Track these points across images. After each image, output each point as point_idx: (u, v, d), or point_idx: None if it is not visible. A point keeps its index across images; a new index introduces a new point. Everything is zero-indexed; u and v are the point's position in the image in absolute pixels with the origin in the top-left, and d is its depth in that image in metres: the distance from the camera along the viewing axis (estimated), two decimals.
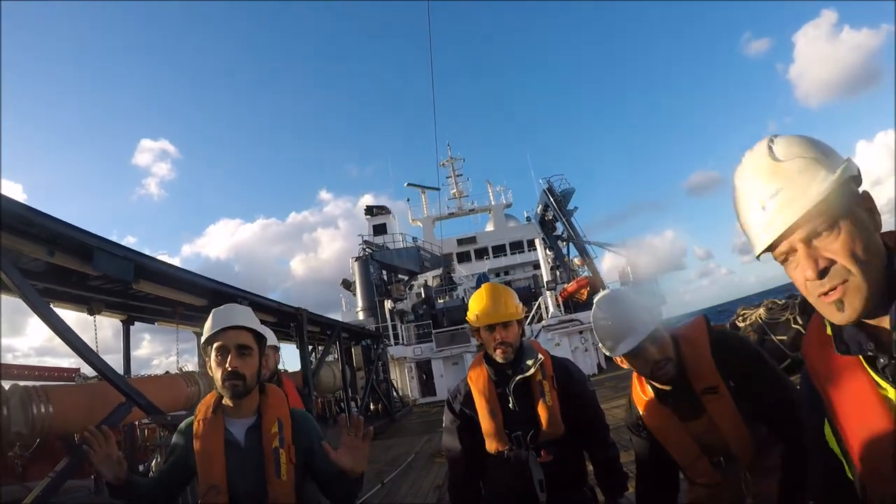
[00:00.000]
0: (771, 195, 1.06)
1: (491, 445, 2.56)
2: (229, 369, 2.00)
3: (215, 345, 2.04)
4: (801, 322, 10.21)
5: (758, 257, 1.13)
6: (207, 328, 2.08)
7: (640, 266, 28.67)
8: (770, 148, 1.10)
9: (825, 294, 1.03)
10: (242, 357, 2.03)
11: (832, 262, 1.01)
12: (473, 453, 2.65)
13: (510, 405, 2.55)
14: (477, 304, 2.64)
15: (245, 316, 2.12)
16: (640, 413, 2.42)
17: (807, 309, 10.53)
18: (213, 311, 2.14)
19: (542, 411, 2.50)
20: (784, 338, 10.22)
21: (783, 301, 11.20)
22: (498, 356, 2.55)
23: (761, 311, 11.21)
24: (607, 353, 2.29)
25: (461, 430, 2.69)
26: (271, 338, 3.77)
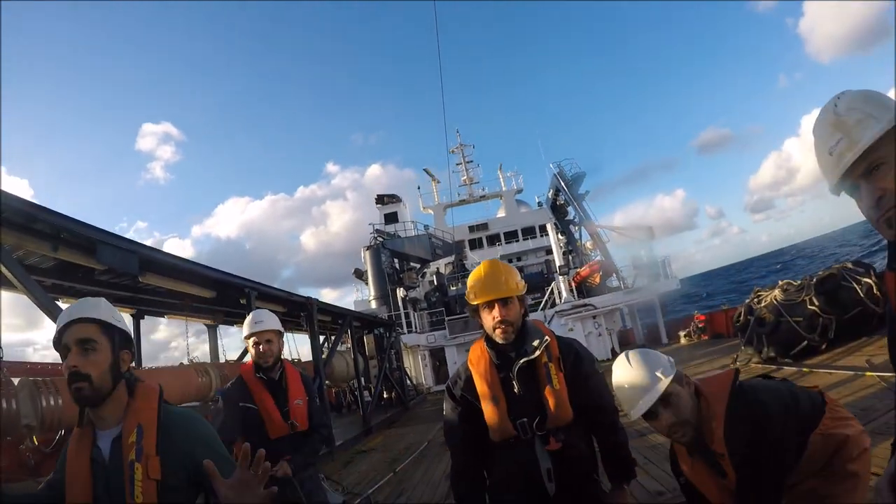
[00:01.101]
0: (834, 143, 1.29)
1: (495, 434, 2.40)
2: (68, 370, 1.68)
3: (60, 346, 1.74)
4: (817, 303, 10.03)
5: (835, 194, 1.36)
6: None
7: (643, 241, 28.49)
8: (835, 105, 1.32)
9: (881, 217, 1.24)
10: (85, 353, 1.70)
11: (884, 192, 1.22)
12: (476, 442, 2.50)
13: (514, 390, 2.39)
14: (475, 281, 2.50)
15: (90, 307, 1.79)
16: (677, 458, 2.45)
17: (823, 289, 10.36)
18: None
19: (548, 396, 2.34)
20: (800, 319, 10.05)
21: (798, 282, 11.03)
22: (498, 336, 2.41)
23: (777, 292, 11.03)
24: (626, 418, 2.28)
25: (462, 417, 2.53)
26: (276, 323, 3.75)
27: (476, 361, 2.51)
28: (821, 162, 1.36)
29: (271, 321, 3.72)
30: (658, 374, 2.17)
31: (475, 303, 2.46)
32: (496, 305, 2.39)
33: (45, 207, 5.13)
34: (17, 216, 4.87)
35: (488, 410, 2.41)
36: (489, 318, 2.42)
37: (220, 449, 1.81)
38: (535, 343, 2.40)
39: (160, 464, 1.66)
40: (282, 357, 3.79)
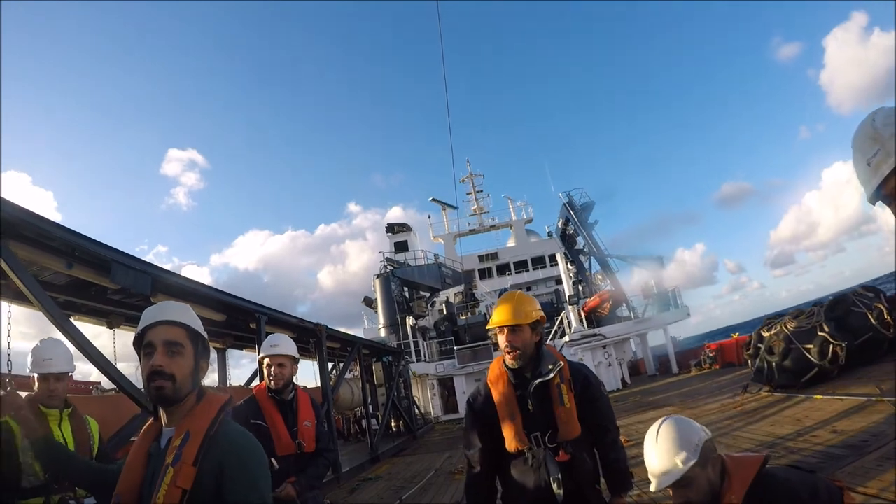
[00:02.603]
0: (872, 154, 1.35)
1: (511, 445, 2.62)
2: (152, 368, 1.70)
3: (143, 343, 1.76)
4: (827, 329, 9.96)
5: (871, 203, 1.43)
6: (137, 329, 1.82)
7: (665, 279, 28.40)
8: (873, 119, 1.38)
9: None
10: (172, 355, 1.74)
11: None
12: (492, 453, 2.73)
13: (529, 407, 2.64)
14: (496, 306, 2.80)
15: (179, 311, 1.84)
16: None
17: (833, 315, 10.30)
18: (146, 309, 1.87)
19: (560, 414, 2.60)
20: (811, 346, 9.97)
21: (809, 309, 10.97)
22: (507, 361, 2.69)
23: (787, 319, 10.98)
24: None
25: (481, 430, 2.76)
26: (291, 349, 3.87)
27: (495, 380, 2.77)
28: (859, 172, 1.43)
29: (286, 346, 3.84)
30: (679, 459, 2.23)
31: (488, 328, 2.80)
32: (505, 331, 2.67)
33: (61, 225, 5.25)
34: (32, 232, 4.98)
35: (505, 424, 2.65)
36: (502, 342, 2.70)
37: (260, 484, 1.71)
38: (550, 367, 2.67)
39: (195, 475, 1.61)
40: (294, 381, 3.89)
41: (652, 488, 2.30)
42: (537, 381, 2.64)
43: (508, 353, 2.66)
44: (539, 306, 2.85)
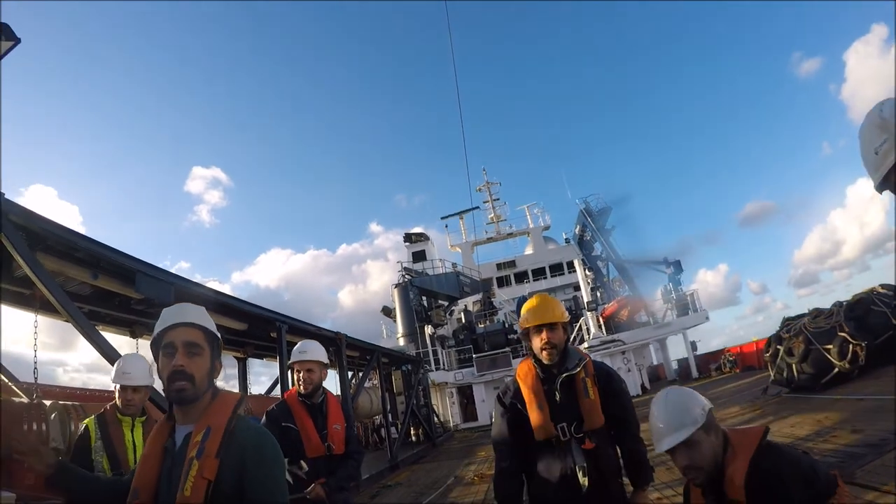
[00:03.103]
0: (880, 143, 1.40)
1: (539, 434, 2.77)
2: (174, 368, 1.78)
3: (162, 344, 1.85)
4: (847, 329, 9.87)
5: (879, 191, 1.48)
6: (156, 329, 1.91)
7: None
8: (880, 109, 1.42)
9: None
10: (191, 356, 1.81)
11: None
12: (520, 444, 2.86)
13: (556, 399, 2.79)
14: (527, 310, 2.94)
15: (197, 314, 1.93)
16: (690, 494, 2.60)
17: (853, 315, 10.20)
18: (163, 310, 1.96)
19: (585, 405, 2.77)
20: (830, 346, 9.88)
21: (829, 309, 10.87)
22: (544, 357, 2.83)
23: (806, 320, 10.89)
24: None
25: (510, 422, 2.90)
26: (321, 354, 4.01)
27: (524, 375, 2.93)
28: (867, 161, 1.50)
29: (315, 353, 3.97)
30: (687, 421, 2.32)
31: (527, 327, 2.90)
32: (544, 330, 2.83)
33: (86, 236, 5.42)
34: (59, 243, 5.14)
35: (534, 415, 2.80)
36: (538, 341, 2.85)
37: (277, 473, 1.84)
38: (577, 361, 2.84)
39: (218, 467, 1.70)
40: (323, 386, 4.04)
41: (659, 449, 2.38)
42: (564, 374, 2.80)
43: (546, 349, 2.81)
44: (563, 304, 3.07)
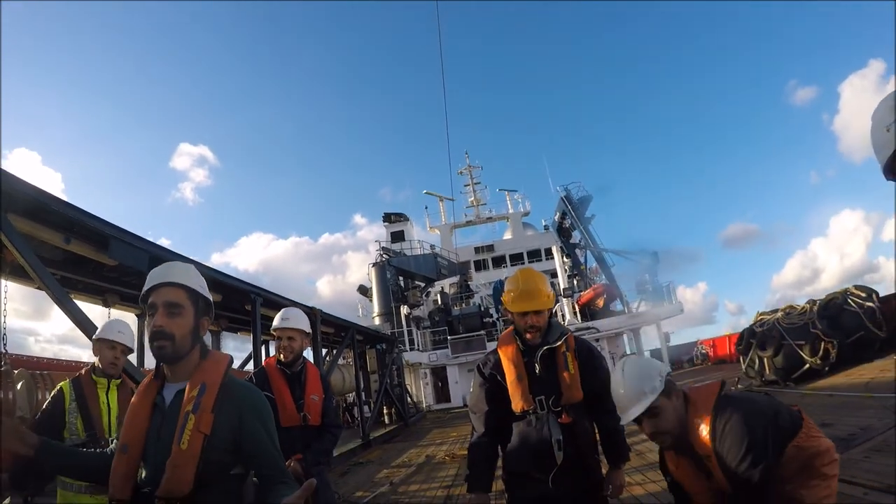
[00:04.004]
0: (892, 121, 1.40)
1: (517, 405, 2.75)
2: (153, 328, 1.81)
3: (148, 304, 1.88)
4: (819, 327, 10.02)
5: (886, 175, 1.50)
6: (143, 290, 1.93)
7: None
8: None
9: None
10: (172, 316, 1.84)
11: None
12: (497, 415, 2.85)
13: (536, 371, 2.77)
14: (514, 289, 2.86)
15: (180, 272, 1.94)
16: (665, 458, 2.65)
17: (826, 313, 10.36)
18: (152, 269, 1.97)
19: (564, 378, 2.74)
20: (803, 343, 10.03)
21: (802, 306, 11.03)
22: (528, 338, 2.81)
23: (780, 316, 11.04)
24: None
25: (488, 393, 2.88)
26: (303, 323, 3.95)
27: (505, 347, 2.91)
28: (876, 140, 1.49)
29: (298, 320, 3.91)
30: (646, 389, 2.35)
31: (512, 311, 2.85)
32: (530, 314, 2.78)
33: (60, 198, 5.21)
34: (31, 205, 4.94)
35: (513, 386, 2.79)
36: (522, 322, 2.81)
37: (271, 428, 1.90)
38: (558, 335, 2.83)
39: (213, 422, 1.76)
40: (304, 356, 3.98)
41: (623, 421, 2.43)
42: (545, 347, 2.78)
43: (530, 332, 2.78)
44: (548, 281, 3.00)
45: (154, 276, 1.91)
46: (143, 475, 1.80)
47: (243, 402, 1.86)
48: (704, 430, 2.30)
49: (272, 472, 1.83)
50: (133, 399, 1.92)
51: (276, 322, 3.88)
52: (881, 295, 10.46)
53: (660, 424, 2.37)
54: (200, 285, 1.97)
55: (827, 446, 2.37)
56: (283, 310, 3.99)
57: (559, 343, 2.81)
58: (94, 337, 3.84)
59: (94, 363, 3.84)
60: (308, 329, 3.99)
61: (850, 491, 4.03)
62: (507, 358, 2.86)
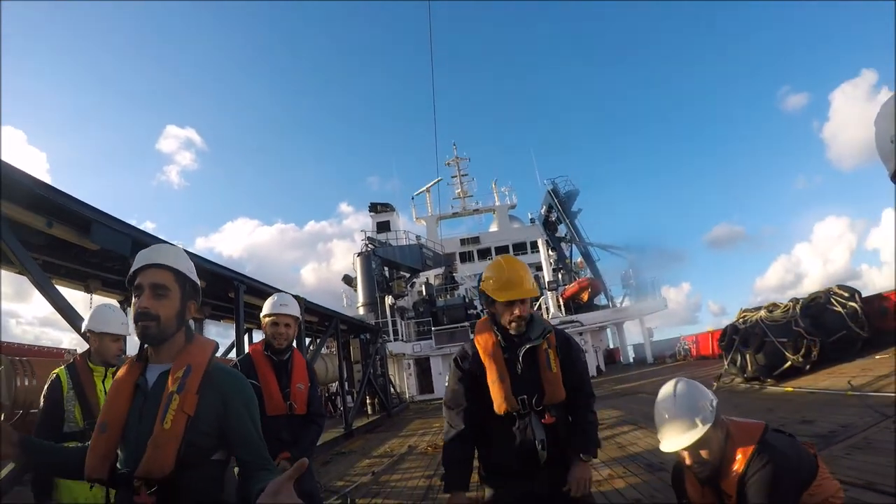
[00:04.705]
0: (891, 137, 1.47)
1: (500, 406, 2.64)
2: (138, 309, 1.80)
3: (134, 285, 1.86)
4: (802, 325, 10.12)
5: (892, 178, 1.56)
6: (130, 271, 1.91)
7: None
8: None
9: None
10: (157, 297, 1.83)
11: None
12: (474, 413, 2.74)
13: (517, 370, 2.66)
14: (497, 277, 2.72)
15: (168, 255, 1.92)
16: (684, 479, 2.63)
17: (808, 312, 10.46)
18: (140, 251, 1.95)
19: (547, 378, 2.64)
20: (785, 340, 10.13)
21: (785, 304, 11.12)
22: (513, 329, 2.67)
23: (763, 313, 11.13)
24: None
25: (467, 388, 2.77)
26: (297, 309, 3.88)
27: (484, 342, 2.76)
28: (883, 149, 1.52)
29: (294, 307, 3.84)
30: (698, 420, 2.29)
31: (499, 300, 2.69)
32: (516, 303, 2.64)
33: (42, 181, 5.08)
34: (13, 187, 4.82)
35: (495, 386, 2.66)
36: (507, 314, 2.67)
37: (255, 416, 1.89)
38: (539, 333, 2.69)
39: (197, 404, 1.76)
40: (293, 344, 3.90)
41: (669, 448, 2.35)
42: (527, 345, 2.67)
43: (515, 322, 2.65)
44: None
45: (142, 258, 1.89)
46: (122, 456, 1.77)
47: (229, 387, 1.86)
48: (735, 471, 2.28)
49: (255, 459, 1.81)
50: (115, 379, 1.90)
51: (270, 308, 3.78)
52: (864, 296, 10.60)
53: (705, 456, 2.33)
54: (188, 268, 1.95)
55: (836, 488, 2.42)
56: (277, 295, 3.90)
57: (541, 341, 2.69)
58: (93, 329, 3.73)
59: (88, 350, 3.77)
60: (300, 316, 3.92)
61: None
62: (486, 354, 2.74)
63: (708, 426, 2.27)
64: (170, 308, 1.84)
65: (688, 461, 2.36)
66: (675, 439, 2.32)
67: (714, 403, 2.35)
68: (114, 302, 9.50)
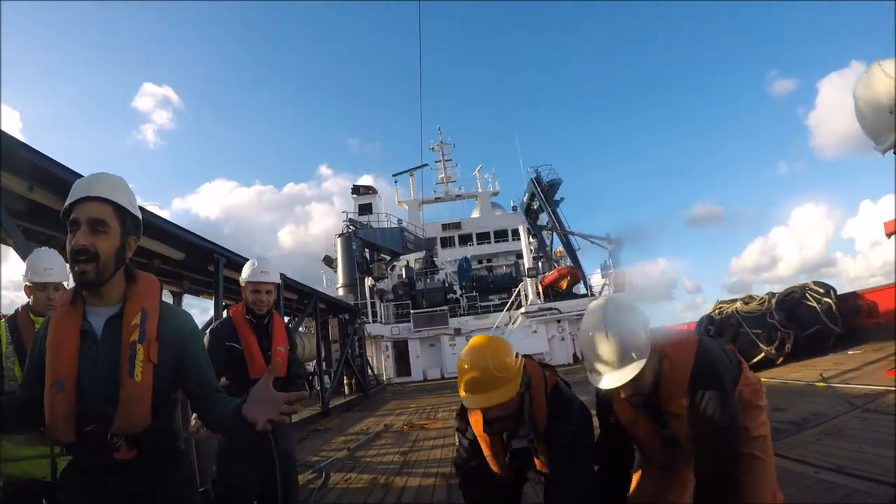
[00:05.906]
0: (890, 108, 1.49)
1: (495, 470, 2.83)
2: (75, 247, 1.64)
3: (69, 220, 1.69)
4: (777, 318, 10.29)
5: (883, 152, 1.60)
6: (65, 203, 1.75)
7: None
8: (882, 70, 1.56)
9: None
10: (96, 234, 1.66)
11: None
12: (482, 472, 2.88)
13: (509, 453, 2.76)
14: (460, 376, 2.58)
15: (107, 187, 1.73)
16: (612, 405, 2.54)
17: (784, 305, 10.64)
18: (75, 182, 1.77)
19: (537, 461, 2.76)
20: (759, 331, 10.29)
21: (761, 297, 11.29)
22: (494, 431, 2.67)
23: (738, 304, 11.30)
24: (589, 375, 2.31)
25: (472, 455, 2.88)
26: (278, 276, 3.84)
27: (475, 424, 2.79)
28: (878, 122, 1.54)
29: (275, 274, 3.80)
30: (634, 354, 2.13)
31: (465, 405, 2.71)
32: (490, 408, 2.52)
33: (23, 143, 4.93)
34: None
35: (490, 459, 2.80)
36: (474, 421, 2.78)
37: (203, 346, 1.91)
38: (528, 431, 2.65)
39: (157, 350, 1.72)
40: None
41: (604, 385, 2.19)
42: (514, 447, 2.72)
43: (493, 427, 2.61)
44: (513, 351, 2.62)
45: (78, 189, 1.71)
46: (77, 411, 1.65)
47: (181, 323, 1.84)
48: (680, 394, 2.23)
49: (212, 390, 1.84)
50: (53, 328, 1.72)
51: (250, 275, 3.73)
52: (839, 293, 10.80)
53: (639, 386, 2.20)
54: (129, 202, 1.79)
55: (756, 378, 2.51)
56: (257, 260, 3.82)
57: (528, 444, 2.68)
58: (37, 280, 3.43)
59: (28, 301, 3.49)
60: (280, 282, 3.89)
61: (801, 470, 4.15)
62: (481, 438, 2.78)
63: (643, 361, 2.13)
64: (109, 245, 1.69)
65: (622, 395, 2.22)
66: (611, 376, 2.16)
67: (648, 330, 2.20)
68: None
